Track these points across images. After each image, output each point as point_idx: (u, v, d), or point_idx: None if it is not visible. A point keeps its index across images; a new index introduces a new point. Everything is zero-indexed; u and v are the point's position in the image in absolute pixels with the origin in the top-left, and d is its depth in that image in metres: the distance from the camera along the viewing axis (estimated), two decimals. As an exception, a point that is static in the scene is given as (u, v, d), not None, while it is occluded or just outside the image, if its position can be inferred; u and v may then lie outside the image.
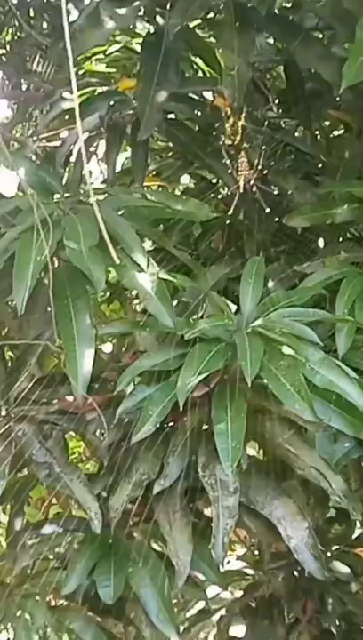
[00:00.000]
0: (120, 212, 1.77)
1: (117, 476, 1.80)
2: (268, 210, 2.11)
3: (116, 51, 2.53)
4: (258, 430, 1.72)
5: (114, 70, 2.54)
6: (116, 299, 2.62)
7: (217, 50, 2.31)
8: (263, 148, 2.10)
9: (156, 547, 1.88)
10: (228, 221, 2.24)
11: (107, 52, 2.53)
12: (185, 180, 2.80)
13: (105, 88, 2.37)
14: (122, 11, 1.99)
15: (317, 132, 2.39)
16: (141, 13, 2.24)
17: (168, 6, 2.11)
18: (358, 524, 2.53)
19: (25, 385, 1.81)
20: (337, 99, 2.16)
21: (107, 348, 2.52)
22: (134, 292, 2.43)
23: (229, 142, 2.07)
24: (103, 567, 1.78)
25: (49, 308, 1.69)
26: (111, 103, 2.27)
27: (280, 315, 1.72)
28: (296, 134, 2.36)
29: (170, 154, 2.56)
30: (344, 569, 2.46)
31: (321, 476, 1.70)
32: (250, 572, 2.60)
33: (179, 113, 2.27)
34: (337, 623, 2.41)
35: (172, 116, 2.28)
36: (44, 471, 1.80)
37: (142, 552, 1.83)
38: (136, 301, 2.49)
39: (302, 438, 1.73)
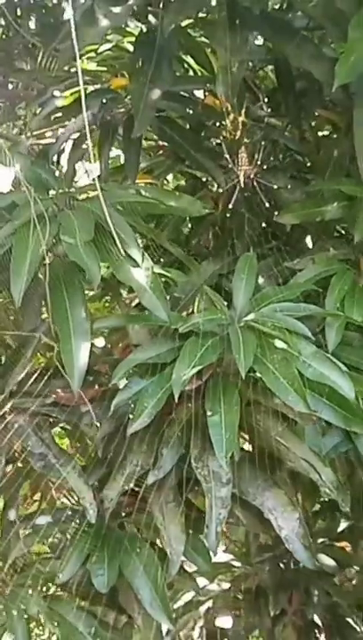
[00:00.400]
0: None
1: (111, 468, 1.83)
2: (264, 205, 2.14)
3: (108, 49, 2.55)
4: (250, 423, 1.75)
5: (105, 69, 2.55)
6: (107, 294, 2.64)
7: (208, 49, 2.35)
8: (262, 144, 2.13)
9: (149, 537, 1.90)
10: (219, 218, 2.27)
11: (98, 51, 2.54)
12: (171, 178, 2.83)
13: (97, 86, 2.40)
14: (116, 9, 2.01)
15: (305, 131, 2.41)
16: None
17: (161, 5, 2.14)
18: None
19: (21, 377, 1.83)
20: (326, 98, 2.20)
21: (99, 342, 2.54)
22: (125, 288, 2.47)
23: (228, 138, 2.09)
24: (97, 556, 1.81)
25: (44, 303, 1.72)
26: (104, 101, 2.30)
27: (272, 309, 1.75)
28: (285, 133, 2.38)
29: (160, 152, 2.58)
30: (330, 562, 2.50)
31: (311, 468, 1.72)
32: (237, 564, 2.63)
33: (170, 111, 2.29)
34: (323, 614, 2.45)
35: (163, 114, 2.30)
36: (40, 462, 1.83)
37: (136, 542, 1.85)
38: (126, 295, 2.51)
39: (292, 431, 1.75)
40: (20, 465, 1.96)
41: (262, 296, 1.81)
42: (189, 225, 2.39)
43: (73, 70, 2.52)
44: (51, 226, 1.68)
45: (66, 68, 2.50)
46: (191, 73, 2.46)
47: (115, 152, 2.53)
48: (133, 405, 1.73)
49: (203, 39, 2.41)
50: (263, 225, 2.28)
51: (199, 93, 2.49)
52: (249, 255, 1.91)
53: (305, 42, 1.97)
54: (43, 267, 1.66)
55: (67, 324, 1.69)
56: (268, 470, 1.78)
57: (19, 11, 3.18)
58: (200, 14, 2.22)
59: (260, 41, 2.36)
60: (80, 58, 2.62)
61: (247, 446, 1.88)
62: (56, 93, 2.47)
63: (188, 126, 2.36)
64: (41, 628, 1.98)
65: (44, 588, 1.90)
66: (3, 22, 3.19)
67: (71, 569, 1.80)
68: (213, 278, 2.11)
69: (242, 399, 1.67)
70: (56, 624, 1.84)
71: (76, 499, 1.91)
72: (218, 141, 2.37)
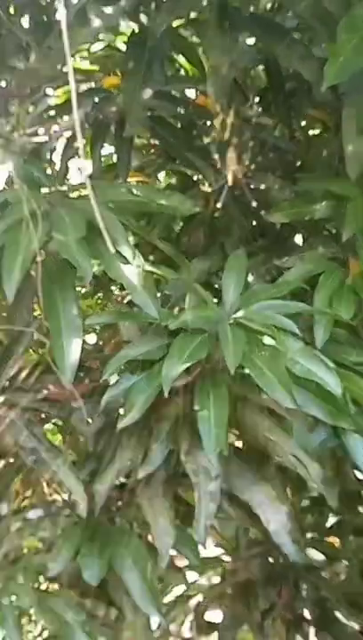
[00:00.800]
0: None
1: (102, 462, 1.85)
2: (254, 204, 2.16)
3: (101, 49, 2.56)
4: (238, 418, 1.77)
5: (97, 68, 2.56)
6: (99, 291, 2.66)
7: (199, 49, 2.36)
8: (251, 143, 2.15)
9: (139, 531, 1.93)
10: (209, 216, 2.29)
11: (91, 50, 2.56)
12: (162, 176, 2.84)
13: (90, 85, 2.42)
14: (108, 9, 2.03)
15: (295, 130, 2.43)
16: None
17: (153, 5, 2.16)
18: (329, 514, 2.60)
19: (13, 372, 1.85)
20: (315, 98, 2.22)
21: (91, 339, 2.56)
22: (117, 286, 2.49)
23: (216, 138, 2.11)
24: (88, 550, 1.82)
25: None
26: (96, 100, 2.31)
27: (261, 307, 1.77)
28: (275, 133, 2.40)
29: (152, 150, 2.60)
30: (318, 556, 2.52)
31: (299, 463, 1.74)
32: (227, 558, 2.65)
33: (162, 110, 2.31)
34: (311, 608, 2.47)
35: (155, 113, 2.31)
36: (32, 457, 1.85)
37: (126, 535, 1.87)
38: (117, 292, 2.53)
39: (280, 427, 1.77)
40: (11, 460, 1.98)
41: (251, 294, 1.84)
42: (180, 223, 2.41)
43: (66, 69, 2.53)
44: (43, 223, 1.69)
45: (59, 67, 2.51)
46: (183, 73, 2.48)
47: (108, 149, 2.54)
48: (123, 401, 1.75)
49: (194, 39, 2.42)
50: (253, 223, 2.30)
51: (191, 93, 2.51)
52: (239, 253, 1.93)
53: (295, 42, 1.98)
54: (35, 264, 1.68)
55: (59, 320, 1.71)
56: (256, 465, 1.81)
57: (12, 9, 3.19)
58: (192, 15, 2.24)
59: (252, 41, 2.37)
60: (72, 57, 2.65)
61: (235, 440, 1.90)
62: (49, 92, 2.48)
63: (179, 125, 2.38)
64: (33, 623, 1.98)
65: (35, 583, 1.92)
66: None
67: (62, 562, 1.82)
68: (204, 276, 2.13)
69: (231, 395, 1.69)
70: (46, 617, 1.85)
71: (68, 493, 1.93)
72: (209, 140, 2.38)
